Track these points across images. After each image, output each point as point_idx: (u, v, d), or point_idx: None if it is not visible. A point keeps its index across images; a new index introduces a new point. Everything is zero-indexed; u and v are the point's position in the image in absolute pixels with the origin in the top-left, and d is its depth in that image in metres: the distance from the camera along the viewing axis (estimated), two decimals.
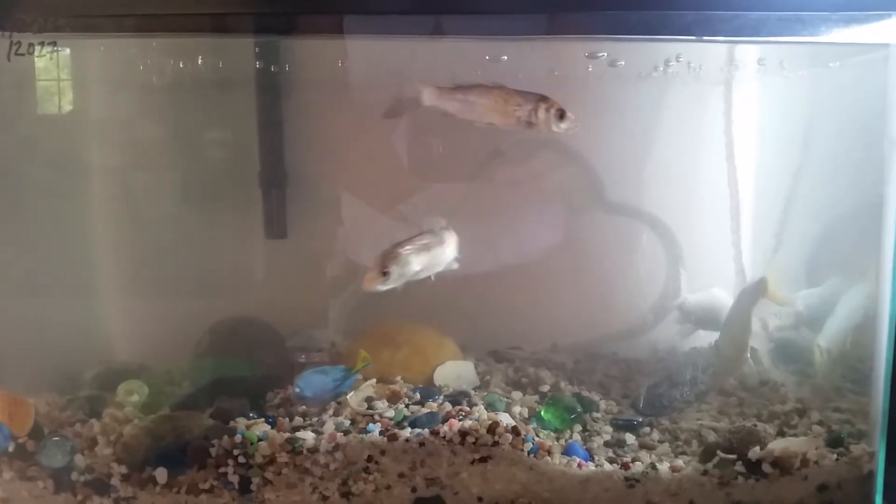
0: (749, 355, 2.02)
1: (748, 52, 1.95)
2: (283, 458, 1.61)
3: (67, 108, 2.00)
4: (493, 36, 1.72)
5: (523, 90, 1.65)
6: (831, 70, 1.93)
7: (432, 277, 1.77)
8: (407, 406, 1.78)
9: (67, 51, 1.89)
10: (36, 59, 1.81)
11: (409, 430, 1.65)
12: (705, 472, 1.64)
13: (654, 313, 2.21)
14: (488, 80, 1.67)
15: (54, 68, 1.92)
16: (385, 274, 1.64)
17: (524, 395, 1.92)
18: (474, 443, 1.62)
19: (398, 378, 1.91)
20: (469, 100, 1.68)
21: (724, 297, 2.11)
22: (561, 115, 1.63)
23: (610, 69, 1.94)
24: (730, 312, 2.03)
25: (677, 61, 1.95)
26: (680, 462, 1.67)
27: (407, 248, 1.69)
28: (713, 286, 2.13)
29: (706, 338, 2.06)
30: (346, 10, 1.60)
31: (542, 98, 1.64)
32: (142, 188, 2.18)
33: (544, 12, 1.59)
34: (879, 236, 1.67)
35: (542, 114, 1.63)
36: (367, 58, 1.90)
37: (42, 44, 1.68)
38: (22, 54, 1.64)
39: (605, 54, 1.84)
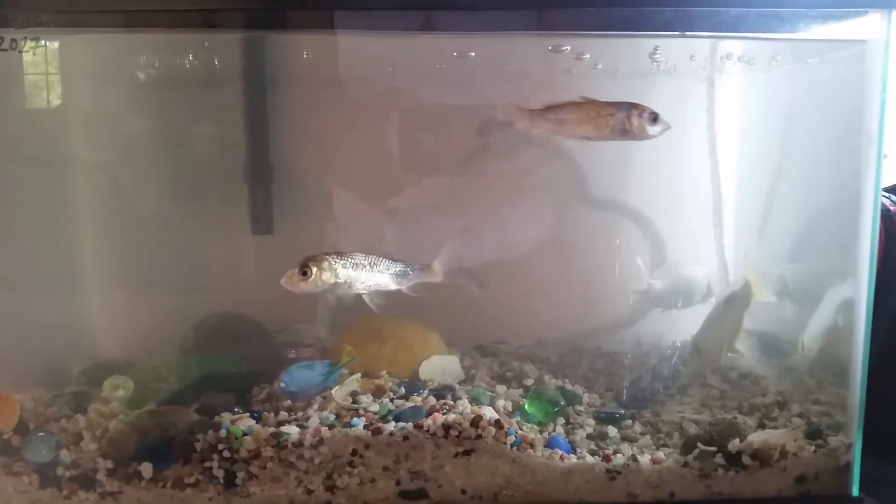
0: (729, 353, 2.04)
1: (730, 47, 1.96)
2: (267, 452, 1.62)
3: (53, 103, 1.99)
4: (474, 32, 1.73)
5: (611, 100, 1.67)
6: (810, 66, 1.95)
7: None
8: (391, 400, 1.79)
9: (56, 44, 1.88)
10: (22, 54, 1.80)
11: (393, 423, 1.67)
12: (686, 465, 1.66)
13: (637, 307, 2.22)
14: (576, 96, 1.69)
15: (40, 63, 1.91)
16: (304, 274, 1.68)
17: (508, 388, 1.93)
18: (458, 436, 1.64)
19: (383, 372, 1.92)
20: (560, 118, 1.69)
21: (690, 272, 2.11)
22: (654, 119, 1.65)
23: (611, 68, 1.95)
24: (714, 313, 2.02)
25: (656, 58, 1.96)
26: (661, 454, 1.69)
27: (335, 257, 1.72)
28: (678, 265, 2.14)
29: (690, 332, 2.07)
30: (330, 7, 1.61)
31: (633, 105, 1.66)
32: (128, 184, 2.17)
33: (526, 8, 1.60)
34: (857, 231, 1.69)
35: (635, 120, 1.65)
36: (352, 53, 1.91)
37: (25, 39, 1.67)
38: (5, 50, 1.64)
39: (569, 48, 1.84)
